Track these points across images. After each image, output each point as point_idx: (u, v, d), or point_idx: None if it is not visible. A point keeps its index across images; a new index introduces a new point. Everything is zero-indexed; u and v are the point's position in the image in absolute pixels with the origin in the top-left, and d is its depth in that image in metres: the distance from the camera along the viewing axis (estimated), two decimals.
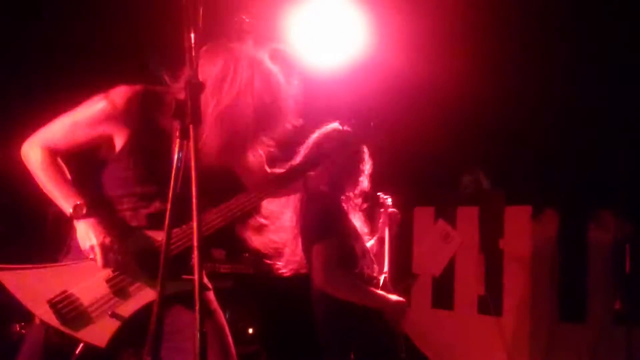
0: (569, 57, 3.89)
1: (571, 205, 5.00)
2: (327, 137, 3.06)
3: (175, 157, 1.62)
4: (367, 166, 3.16)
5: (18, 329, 3.65)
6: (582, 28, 3.65)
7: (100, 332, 2.10)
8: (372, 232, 3.40)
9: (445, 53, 4.06)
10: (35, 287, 2.10)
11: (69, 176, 2.23)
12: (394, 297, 3.07)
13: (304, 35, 3.96)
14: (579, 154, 4.60)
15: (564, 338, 4.95)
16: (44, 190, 2.20)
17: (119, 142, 2.22)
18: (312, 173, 2.65)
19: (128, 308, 2.14)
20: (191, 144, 1.59)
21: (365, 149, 3.15)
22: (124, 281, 2.15)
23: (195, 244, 1.59)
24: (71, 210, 2.13)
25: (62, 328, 2.08)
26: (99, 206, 2.19)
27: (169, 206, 1.62)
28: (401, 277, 5.87)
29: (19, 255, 2.26)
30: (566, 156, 4.64)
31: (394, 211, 3.55)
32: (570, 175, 4.74)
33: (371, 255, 3.18)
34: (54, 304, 2.08)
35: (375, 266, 3.16)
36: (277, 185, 2.49)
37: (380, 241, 3.46)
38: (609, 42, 3.70)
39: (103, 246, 2.09)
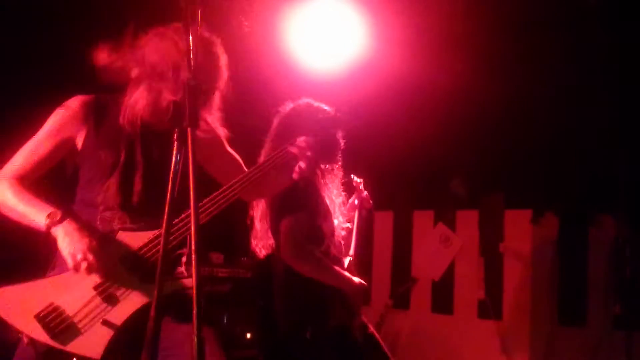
0: (569, 61, 3.88)
1: (571, 209, 4.99)
2: (297, 111, 3.02)
3: (173, 160, 1.60)
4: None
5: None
6: (582, 30, 3.65)
7: (93, 343, 2.00)
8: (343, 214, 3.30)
9: (445, 56, 4.05)
10: (20, 303, 2.00)
11: (35, 195, 2.15)
12: (357, 279, 3.02)
13: (303, 38, 3.95)
14: (579, 158, 4.59)
15: (564, 342, 4.93)
16: (18, 219, 2.12)
17: (80, 140, 2.23)
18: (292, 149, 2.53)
19: (120, 315, 2.04)
20: (189, 146, 1.57)
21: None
22: (113, 287, 2.06)
23: (193, 247, 1.56)
24: (46, 220, 2.04)
25: (51, 343, 1.97)
26: (76, 215, 2.13)
27: (166, 210, 1.59)
28: (400, 281, 5.87)
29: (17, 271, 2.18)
30: (566, 160, 4.63)
31: (365, 195, 3.49)
32: (570, 179, 4.73)
33: (339, 235, 3.11)
34: (41, 318, 1.98)
35: (342, 248, 3.11)
36: (258, 171, 2.37)
37: (349, 223, 3.35)
38: (610, 45, 3.69)
39: (90, 248, 2.01)
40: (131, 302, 2.06)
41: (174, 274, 2.22)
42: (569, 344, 4.90)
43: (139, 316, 2.01)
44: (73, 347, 1.99)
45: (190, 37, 1.65)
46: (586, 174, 4.63)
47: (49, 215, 2.05)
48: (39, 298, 2.02)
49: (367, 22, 3.87)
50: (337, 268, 2.96)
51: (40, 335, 1.98)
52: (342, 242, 3.15)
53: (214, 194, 2.20)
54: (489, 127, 4.64)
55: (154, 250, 2.09)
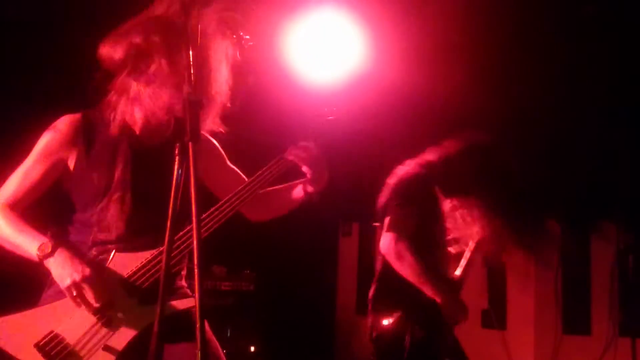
0: (569, 69, 3.89)
1: (573, 217, 4.99)
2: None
3: (175, 174, 1.58)
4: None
5: None
6: (581, 38, 3.66)
7: None
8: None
9: (444, 66, 4.05)
10: (19, 333, 1.98)
11: (27, 223, 2.11)
12: (453, 297, 2.98)
13: (302, 50, 3.97)
14: (579, 165, 4.59)
15: (569, 351, 4.92)
16: (12, 249, 2.09)
17: (72, 163, 2.18)
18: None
19: (121, 340, 2.02)
20: (190, 161, 1.57)
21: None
22: (112, 311, 2.03)
23: (195, 261, 1.55)
24: (38, 252, 2.01)
25: None
26: (68, 242, 2.09)
27: (168, 224, 1.58)
28: None
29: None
30: (566, 167, 4.64)
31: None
32: (571, 187, 4.73)
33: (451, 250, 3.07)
34: (41, 347, 1.96)
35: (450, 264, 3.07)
36: (255, 183, 2.28)
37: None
38: (609, 52, 3.70)
39: (85, 279, 1.97)
40: (131, 326, 2.04)
41: (175, 290, 2.19)
42: (574, 352, 4.89)
43: (139, 339, 1.99)
44: None
45: (191, 53, 1.65)
46: (587, 181, 4.63)
47: (39, 248, 2.02)
48: (38, 326, 2.00)
49: (365, 33, 3.88)
50: (428, 274, 2.92)
51: None
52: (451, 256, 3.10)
53: (211, 210, 2.15)
54: (489, 136, 4.64)
55: (152, 270, 2.05)
